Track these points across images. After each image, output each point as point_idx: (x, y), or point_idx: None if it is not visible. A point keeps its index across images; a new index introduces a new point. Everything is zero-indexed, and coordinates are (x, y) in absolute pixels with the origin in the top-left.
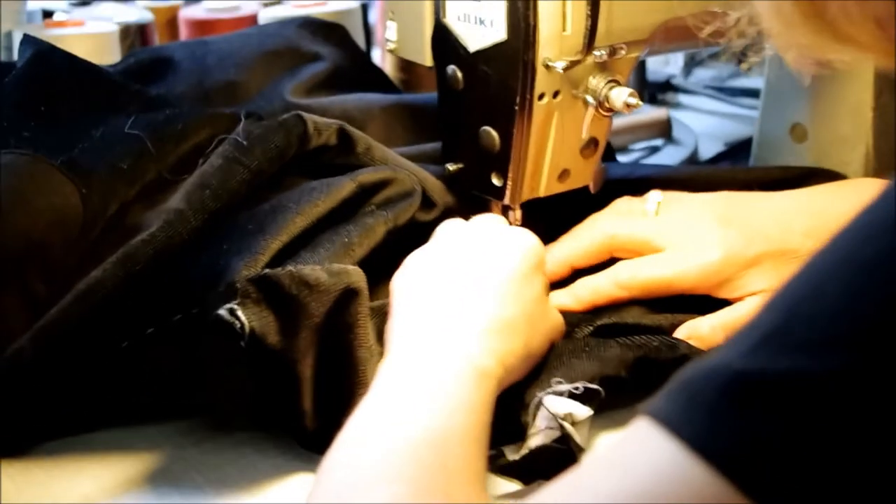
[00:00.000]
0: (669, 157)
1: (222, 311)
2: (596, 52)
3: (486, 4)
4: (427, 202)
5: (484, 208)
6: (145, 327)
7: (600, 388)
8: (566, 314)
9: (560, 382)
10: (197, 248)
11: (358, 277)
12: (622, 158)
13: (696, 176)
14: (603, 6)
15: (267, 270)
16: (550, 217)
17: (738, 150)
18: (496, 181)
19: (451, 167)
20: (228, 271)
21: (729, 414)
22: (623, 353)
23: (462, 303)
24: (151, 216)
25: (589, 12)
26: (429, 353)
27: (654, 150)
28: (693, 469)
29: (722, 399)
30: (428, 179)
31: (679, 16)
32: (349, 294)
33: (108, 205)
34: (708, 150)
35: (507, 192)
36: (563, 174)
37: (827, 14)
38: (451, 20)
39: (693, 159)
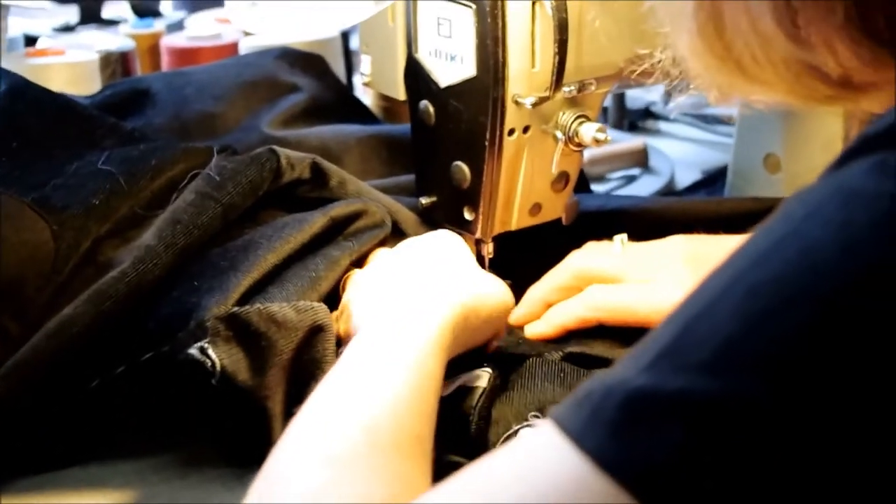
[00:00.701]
0: (646, 186)
1: (193, 350)
2: (565, 88)
3: (456, 41)
4: (400, 235)
5: None
6: (116, 365)
7: None
8: (534, 343)
9: (536, 416)
10: (168, 284)
11: (324, 314)
12: (599, 188)
13: (668, 208)
14: (571, 43)
15: (236, 308)
16: (523, 250)
17: (715, 179)
18: (468, 215)
19: (424, 201)
20: (199, 309)
21: (626, 429)
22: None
23: (409, 289)
24: (124, 252)
25: (556, 49)
26: (378, 334)
27: (630, 179)
28: (591, 479)
29: (620, 414)
30: (401, 212)
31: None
32: (316, 331)
33: (80, 242)
34: (685, 179)
35: (479, 226)
36: (535, 208)
37: (737, 57)
38: (423, 55)
39: (669, 188)
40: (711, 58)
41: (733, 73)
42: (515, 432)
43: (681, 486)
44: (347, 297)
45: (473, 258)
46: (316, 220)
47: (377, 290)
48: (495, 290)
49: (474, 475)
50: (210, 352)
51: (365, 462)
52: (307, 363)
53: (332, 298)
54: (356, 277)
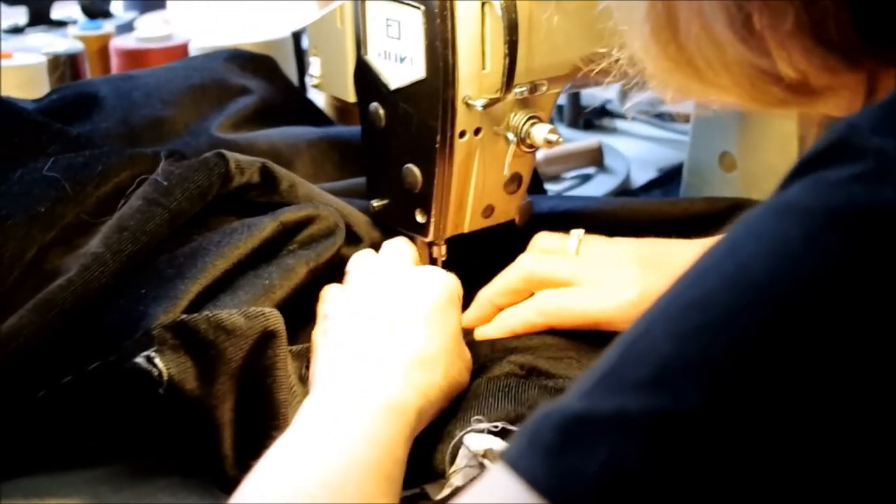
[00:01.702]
0: (601, 185)
1: (139, 360)
2: (516, 90)
3: (406, 42)
4: (353, 237)
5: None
6: (62, 375)
7: (517, 429)
8: (481, 351)
9: (479, 420)
10: (115, 292)
11: (275, 320)
12: (554, 187)
13: (622, 208)
14: (522, 44)
15: (184, 316)
16: (477, 252)
17: (670, 177)
18: (420, 218)
19: (375, 204)
20: (147, 318)
21: (559, 450)
22: (541, 396)
23: (382, 338)
24: (70, 260)
25: (507, 51)
26: (345, 389)
27: (585, 178)
28: (526, 501)
29: (555, 437)
30: (353, 214)
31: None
32: (267, 337)
33: (25, 251)
34: (641, 177)
35: (431, 229)
36: (488, 210)
37: (689, 59)
38: (373, 57)
39: (625, 187)
40: (666, 60)
41: (688, 76)
42: (460, 439)
43: (606, 502)
44: (324, 312)
45: (458, 312)
46: (266, 225)
47: (349, 331)
48: (465, 360)
49: None
50: (157, 361)
51: None
52: (258, 370)
53: (288, 307)
54: (335, 295)
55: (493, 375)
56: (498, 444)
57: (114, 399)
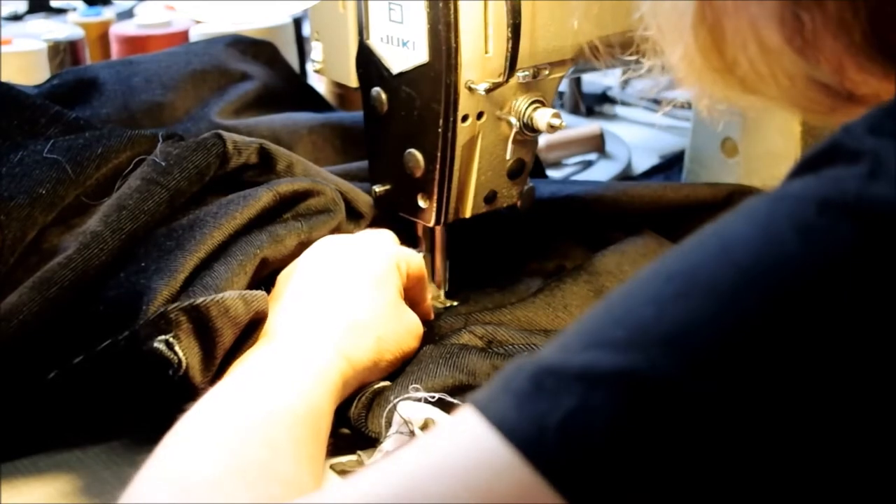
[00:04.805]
0: (603, 171)
1: (159, 344)
2: (519, 74)
3: (408, 27)
4: (355, 215)
5: (411, 226)
6: (69, 354)
7: (457, 402)
8: (447, 322)
9: (417, 389)
10: (115, 268)
11: (264, 302)
12: (556, 173)
13: (624, 193)
14: (525, 28)
15: (199, 300)
16: (479, 237)
17: (672, 163)
18: (422, 203)
19: (377, 189)
20: (149, 291)
21: (528, 398)
22: (481, 362)
23: (319, 304)
24: (69, 239)
25: (510, 34)
26: (280, 347)
27: (587, 164)
28: (495, 447)
29: (526, 385)
30: (353, 192)
31: (602, 36)
32: (255, 321)
33: (26, 232)
34: (642, 164)
35: (433, 214)
36: (490, 195)
37: (737, 71)
38: (375, 42)
39: (626, 174)
40: (710, 70)
41: (731, 86)
42: (394, 406)
43: (568, 450)
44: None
45: (398, 282)
46: (261, 196)
47: (294, 301)
48: (406, 328)
49: (397, 454)
50: (177, 348)
51: (264, 466)
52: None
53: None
54: (287, 272)
55: (443, 344)
56: (435, 414)
57: (120, 377)
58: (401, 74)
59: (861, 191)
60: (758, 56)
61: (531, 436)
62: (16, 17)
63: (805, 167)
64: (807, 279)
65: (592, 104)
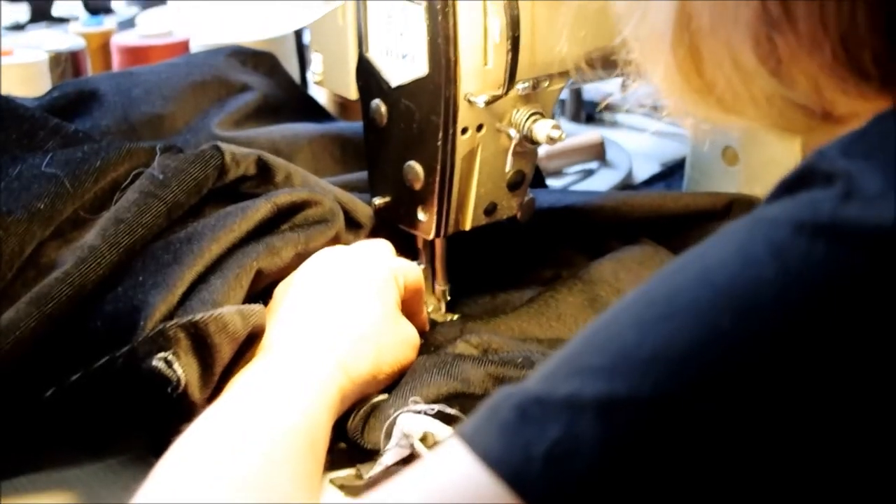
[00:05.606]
0: (603, 180)
1: (158, 362)
2: (519, 86)
3: (407, 39)
4: (353, 225)
5: (411, 238)
6: (64, 369)
7: (456, 413)
8: (441, 333)
9: (417, 402)
10: (112, 282)
11: (262, 317)
12: (556, 182)
13: (624, 203)
14: (524, 40)
15: (198, 317)
16: (478, 248)
17: (673, 171)
18: (422, 215)
19: (377, 201)
20: (145, 307)
21: (514, 429)
22: (474, 369)
23: (317, 317)
24: (66, 253)
25: (510, 47)
26: (277, 361)
27: (588, 173)
28: (480, 477)
29: (512, 415)
30: (352, 202)
31: (601, 47)
32: (252, 335)
33: (24, 247)
34: (643, 172)
35: (433, 227)
36: (490, 207)
37: (716, 91)
38: (375, 54)
39: (627, 182)
40: (690, 92)
41: (711, 107)
42: (394, 419)
43: (555, 479)
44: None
45: (396, 294)
46: (260, 207)
47: (291, 314)
48: (404, 340)
49: (388, 486)
50: (176, 366)
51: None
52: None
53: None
54: (284, 284)
55: (438, 353)
56: (434, 427)
57: (118, 395)
58: (400, 87)
59: (835, 212)
60: (734, 77)
61: (518, 466)
62: (18, 27)
63: (781, 190)
64: (783, 300)
65: (593, 111)
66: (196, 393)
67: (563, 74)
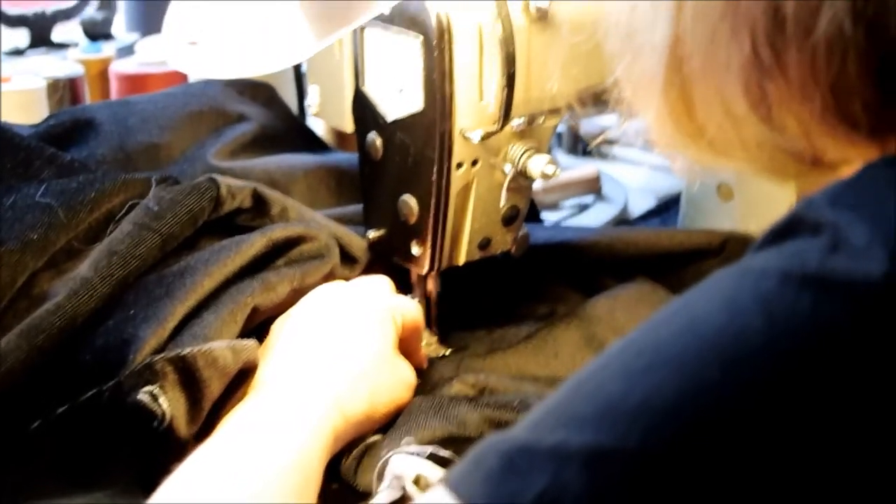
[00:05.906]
0: (599, 214)
1: (143, 396)
2: (514, 122)
3: (403, 74)
4: (349, 259)
5: (405, 271)
6: (53, 402)
7: (449, 456)
8: (437, 372)
9: (409, 443)
10: (103, 315)
11: (254, 353)
12: (551, 216)
13: (618, 240)
14: (519, 76)
15: (186, 351)
16: (472, 283)
17: (669, 206)
18: (416, 250)
19: (371, 234)
20: (136, 340)
21: (500, 478)
22: (470, 412)
23: (312, 355)
24: (58, 285)
25: (505, 83)
26: (271, 399)
27: (583, 207)
28: None
29: (498, 464)
30: (346, 236)
31: (595, 84)
32: (244, 371)
33: (16, 278)
34: (639, 206)
35: (427, 261)
36: (484, 242)
37: (706, 135)
38: (370, 88)
39: (623, 217)
40: (680, 135)
41: (703, 150)
42: (386, 461)
43: None
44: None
45: (393, 333)
46: (255, 241)
47: (287, 351)
48: (400, 380)
49: None
50: (161, 400)
51: None
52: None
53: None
54: (281, 320)
55: (434, 394)
56: (427, 469)
57: (106, 429)
58: (396, 121)
59: (821, 263)
60: (725, 122)
61: None
62: (17, 52)
63: (768, 240)
64: (770, 350)
65: (589, 144)
66: (182, 428)
67: (559, 110)
